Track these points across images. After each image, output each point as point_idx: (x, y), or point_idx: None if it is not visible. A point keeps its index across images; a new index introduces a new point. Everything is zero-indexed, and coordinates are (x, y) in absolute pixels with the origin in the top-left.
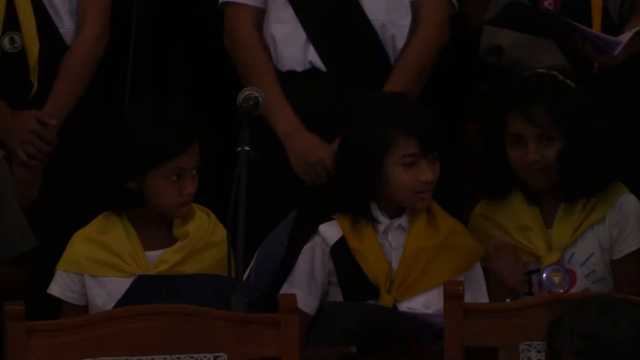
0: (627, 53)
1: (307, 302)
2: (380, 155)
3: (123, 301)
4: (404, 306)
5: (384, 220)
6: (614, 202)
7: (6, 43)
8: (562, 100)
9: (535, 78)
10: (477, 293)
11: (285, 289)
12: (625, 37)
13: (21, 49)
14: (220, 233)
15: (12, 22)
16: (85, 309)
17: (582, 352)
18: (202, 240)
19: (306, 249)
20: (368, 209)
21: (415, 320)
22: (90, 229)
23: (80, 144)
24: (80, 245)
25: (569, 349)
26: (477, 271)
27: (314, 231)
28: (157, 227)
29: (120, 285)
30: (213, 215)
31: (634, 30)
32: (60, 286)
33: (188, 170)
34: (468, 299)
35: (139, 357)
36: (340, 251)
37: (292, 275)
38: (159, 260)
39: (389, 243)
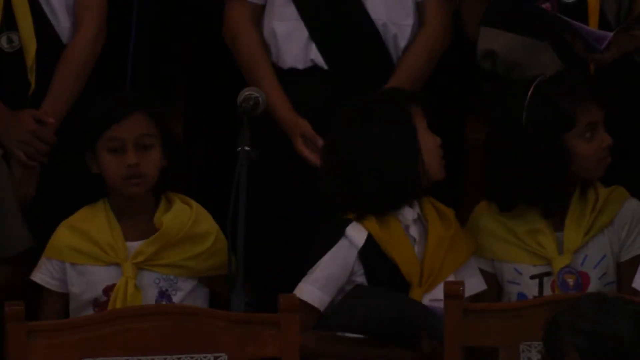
0: (617, 52)
1: (322, 300)
2: (413, 129)
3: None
4: (427, 298)
5: (408, 212)
6: (621, 206)
7: (4, 42)
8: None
9: (575, 71)
10: (477, 278)
11: (303, 285)
12: (611, 33)
13: (18, 48)
14: (205, 224)
15: (9, 21)
16: (66, 297)
17: (584, 350)
18: (180, 232)
19: (332, 253)
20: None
21: (434, 315)
22: (75, 217)
23: (76, 146)
24: (63, 233)
25: (572, 347)
26: (473, 259)
27: (339, 234)
28: (139, 218)
29: (99, 274)
30: (196, 206)
31: (620, 27)
32: (42, 273)
33: (128, 142)
34: (470, 283)
35: (139, 358)
36: (369, 252)
37: (312, 273)
38: (136, 252)
39: (412, 237)
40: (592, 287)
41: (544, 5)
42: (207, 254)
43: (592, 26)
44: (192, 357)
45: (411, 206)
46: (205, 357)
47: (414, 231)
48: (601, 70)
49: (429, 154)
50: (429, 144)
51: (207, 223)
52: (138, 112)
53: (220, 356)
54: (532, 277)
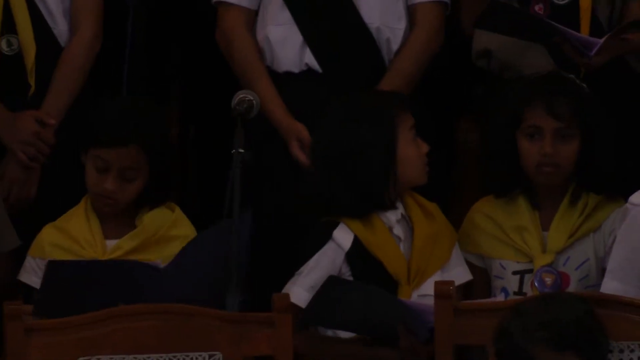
0: (607, 56)
1: (306, 299)
2: (394, 136)
3: (41, 293)
4: (415, 294)
5: (391, 214)
6: (611, 212)
7: (4, 46)
8: (584, 99)
9: (557, 76)
10: (463, 268)
11: (292, 287)
12: (601, 40)
13: (18, 51)
14: (184, 229)
15: (9, 25)
16: None
17: (550, 340)
18: (158, 232)
19: (319, 256)
20: (385, 198)
21: (415, 314)
22: (59, 219)
23: (75, 146)
24: (46, 232)
25: (536, 343)
26: (457, 249)
27: (327, 237)
28: (120, 218)
29: None
30: (178, 211)
31: (611, 33)
32: (28, 272)
33: (114, 167)
34: (456, 274)
35: (135, 356)
36: (356, 253)
37: (300, 275)
38: (114, 247)
39: (397, 236)
40: (572, 287)
41: (536, 7)
42: None
43: (584, 27)
44: (187, 356)
45: (394, 207)
46: (200, 356)
47: (398, 231)
48: (591, 74)
49: (410, 162)
50: (411, 152)
51: (186, 228)
52: (133, 145)
53: (215, 355)
54: (514, 273)
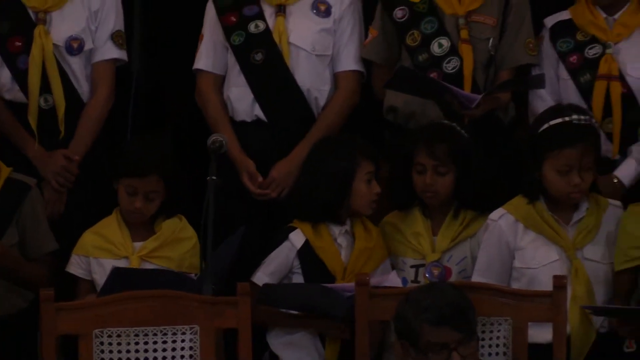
0: (483, 109)
1: (266, 282)
2: (351, 175)
3: (104, 288)
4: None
5: (336, 228)
6: (483, 224)
7: (42, 102)
8: (459, 142)
9: (439, 125)
10: (392, 276)
11: (257, 273)
12: (480, 96)
13: (52, 106)
14: (189, 232)
15: (45, 86)
16: (92, 283)
17: (432, 321)
18: (172, 235)
19: (278, 251)
20: (335, 213)
21: (333, 292)
22: (97, 225)
23: (92, 176)
24: (87, 236)
25: (422, 324)
26: (386, 263)
27: (284, 238)
28: (143, 226)
29: (113, 265)
30: (184, 219)
31: (486, 92)
32: (74, 266)
33: (140, 192)
34: (384, 279)
35: (135, 328)
36: (305, 252)
37: (263, 264)
38: (141, 247)
39: (339, 244)
40: (453, 278)
41: (432, 75)
42: (191, 252)
43: (467, 89)
44: (174, 328)
45: (342, 224)
46: (183, 328)
47: (342, 240)
48: (472, 122)
49: (359, 196)
50: (362, 190)
51: (190, 231)
52: (154, 175)
53: (194, 327)
54: (412, 267)
